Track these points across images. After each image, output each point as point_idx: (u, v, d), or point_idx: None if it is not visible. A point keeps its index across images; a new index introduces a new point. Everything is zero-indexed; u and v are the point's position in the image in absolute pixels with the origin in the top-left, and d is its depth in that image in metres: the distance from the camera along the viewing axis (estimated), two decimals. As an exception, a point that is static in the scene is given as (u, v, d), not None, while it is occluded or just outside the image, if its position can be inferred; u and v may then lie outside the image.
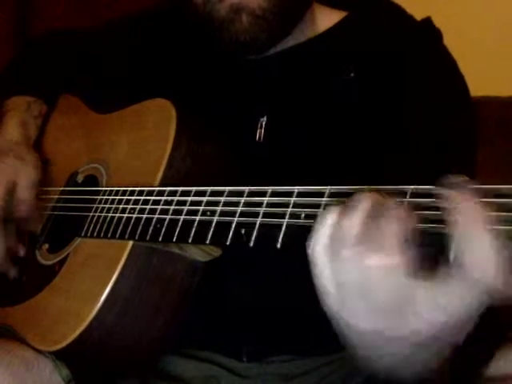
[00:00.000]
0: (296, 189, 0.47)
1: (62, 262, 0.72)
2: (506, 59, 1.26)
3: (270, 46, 0.78)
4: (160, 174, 0.65)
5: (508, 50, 1.27)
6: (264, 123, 0.77)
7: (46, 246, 0.78)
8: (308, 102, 0.78)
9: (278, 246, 0.46)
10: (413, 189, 0.39)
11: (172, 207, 0.58)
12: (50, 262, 0.75)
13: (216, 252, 0.66)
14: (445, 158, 0.71)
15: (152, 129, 0.71)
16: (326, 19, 0.82)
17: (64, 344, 0.63)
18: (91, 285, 0.65)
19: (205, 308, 0.70)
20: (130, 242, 0.64)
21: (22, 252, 0.81)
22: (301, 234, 0.45)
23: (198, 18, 0.77)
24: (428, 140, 0.73)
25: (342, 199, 0.43)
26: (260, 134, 0.77)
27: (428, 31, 0.80)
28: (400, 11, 0.82)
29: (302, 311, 0.77)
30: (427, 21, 0.80)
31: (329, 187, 0.45)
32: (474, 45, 1.20)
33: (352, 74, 0.76)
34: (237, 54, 0.79)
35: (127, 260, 0.63)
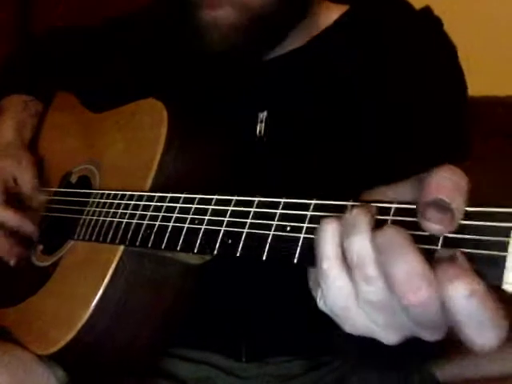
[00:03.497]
0: (282, 200, 0.46)
1: (55, 265, 0.72)
2: (507, 59, 1.24)
3: (252, 56, 0.78)
4: (150, 178, 0.65)
5: (509, 50, 1.25)
6: (264, 118, 0.77)
7: (41, 247, 0.78)
8: (308, 97, 0.77)
9: (264, 257, 0.46)
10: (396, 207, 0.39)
11: (161, 214, 0.58)
12: (44, 264, 0.75)
13: (208, 255, 0.66)
14: (440, 151, 0.70)
15: (144, 130, 0.71)
16: (327, 15, 0.81)
17: (56, 348, 0.64)
18: (83, 288, 0.65)
19: (203, 308, 0.71)
20: (122, 246, 0.63)
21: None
22: (286, 247, 0.44)
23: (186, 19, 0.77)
24: (427, 133, 0.72)
25: (328, 214, 0.42)
26: (260, 128, 0.76)
27: (428, 19, 0.79)
28: (399, 2, 0.81)
29: (301, 311, 0.77)
30: (426, 9, 0.79)
31: (314, 201, 0.44)
32: (475, 45, 1.19)
33: (355, 62, 0.75)
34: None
35: (118, 264, 0.63)
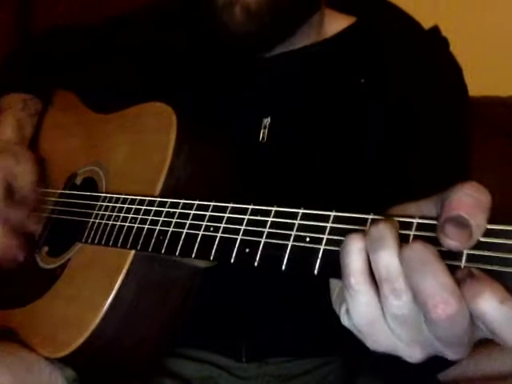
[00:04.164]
0: (300, 211, 0.47)
1: (62, 267, 0.72)
2: (509, 59, 1.25)
3: (264, 45, 0.78)
4: (161, 182, 0.65)
5: (509, 50, 1.26)
6: (268, 124, 0.77)
7: (46, 248, 0.78)
8: (313, 103, 0.78)
9: (283, 267, 0.46)
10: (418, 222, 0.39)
11: (174, 220, 0.58)
12: (50, 266, 0.75)
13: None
14: (445, 165, 0.72)
15: (152, 134, 0.71)
16: (334, 23, 0.82)
17: (66, 352, 0.64)
18: (94, 292, 0.65)
19: (204, 309, 0.71)
20: (133, 250, 0.63)
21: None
22: (306, 258, 0.45)
23: (200, 6, 0.77)
24: (431, 147, 0.73)
25: (348, 226, 0.43)
26: (264, 134, 0.77)
27: (435, 39, 0.80)
28: (408, 19, 0.83)
29: (301, 312, 0.78)
30: (434, 29, 0.80)
31: (333, 213, 0.44)
32: (475, 45, 1.20)
33: (362, 80, 0.76)
34: (231, 48, 0.79)
35: (129, 268, 0.63)
